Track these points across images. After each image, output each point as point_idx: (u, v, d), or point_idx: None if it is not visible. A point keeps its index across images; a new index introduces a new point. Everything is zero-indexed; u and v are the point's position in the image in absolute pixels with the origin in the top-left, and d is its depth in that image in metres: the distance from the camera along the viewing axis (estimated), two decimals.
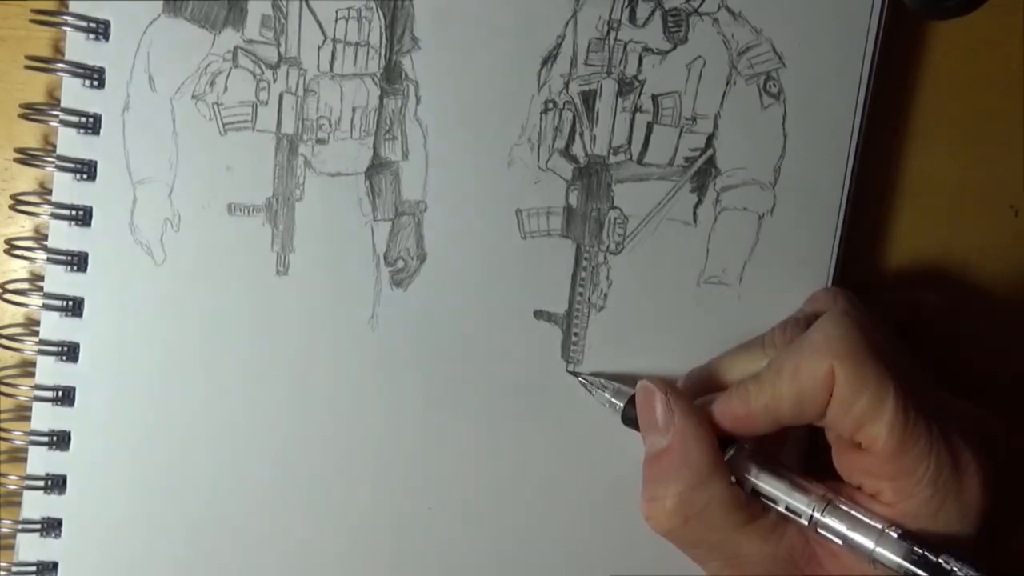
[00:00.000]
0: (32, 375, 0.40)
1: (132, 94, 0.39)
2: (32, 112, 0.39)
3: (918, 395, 0.33)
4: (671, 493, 0.35)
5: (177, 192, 0.40)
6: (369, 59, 0.40)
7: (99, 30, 0.39)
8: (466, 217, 0.41)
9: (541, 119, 0.40)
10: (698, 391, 0.38)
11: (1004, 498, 0.34)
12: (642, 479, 0.36)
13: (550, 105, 0.40)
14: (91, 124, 0.39)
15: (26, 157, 0.39)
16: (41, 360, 0.40)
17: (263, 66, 0.40)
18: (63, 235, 0.40)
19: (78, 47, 0.39)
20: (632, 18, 0.40)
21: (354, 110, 0.40)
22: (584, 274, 0.41)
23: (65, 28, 0.39)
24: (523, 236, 0.41)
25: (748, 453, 0.36)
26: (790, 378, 0.33)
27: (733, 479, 0.35)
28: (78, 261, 0.40)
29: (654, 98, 0.41)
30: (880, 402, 0.32)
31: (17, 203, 0.40)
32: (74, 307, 0.40)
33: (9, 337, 0.40)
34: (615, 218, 0.41)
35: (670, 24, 0.40)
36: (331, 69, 0.40)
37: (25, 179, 0.41)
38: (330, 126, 0.40)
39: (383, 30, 0.40)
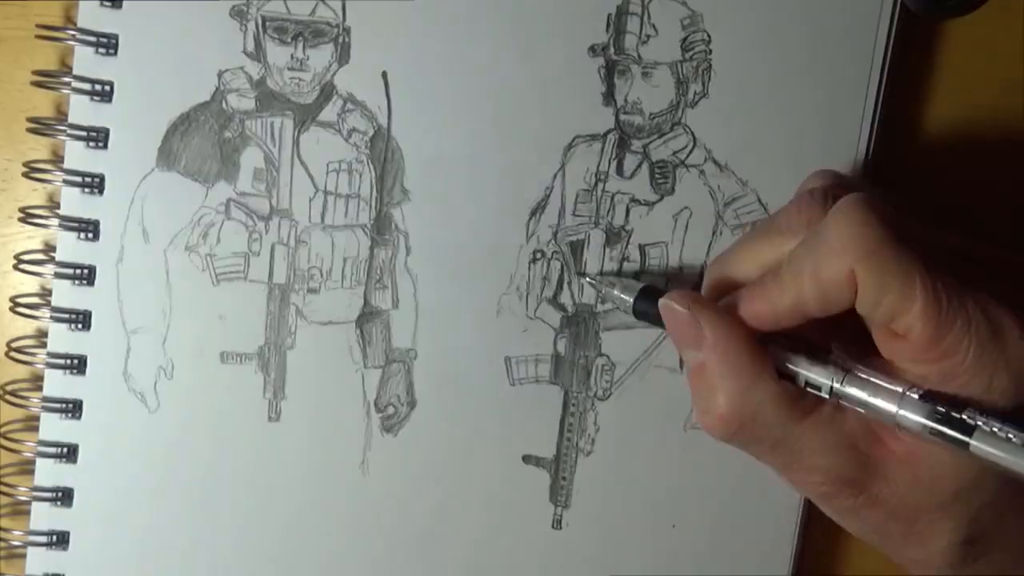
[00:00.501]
0: (27, 515, 0.40)
1: (126, 246, 0.40)
2: (27, 262, 0.40)
3: (950, 271, 0.32)
4: (721, 403, 0.34)
5: (171, 341, 0.40)
6: (360, 210, 0.40)
7: (94, 184, 0.39)
8: (456, 365, 0.41)
9: (530, 268, 0.41)
10: (722, 289, 0.37)
11: None
12: (691, 392, 0.36)
13: (538, 255, 0.41)
14: (86, 275, 0.40)
15: (23, 300, 0.40)
16: (36, 506, 0.40)
17: (255, 218, 0.40)
18: (58, 383, 0.40)
19: (74, 201, 0.40)
20: (619, 170, 0.41)
21: (345, 260, 0.41)
22: (572, 420, 0.42)
23: (59, 184, 0.39)
24: (512, 383, 0.41)
25: (790, 344, 0.35)
26: (811, 280, 0.33)
27: (779, 376, 0.34)
28: (73, 408, 0.40)
29: (641, 248, 0.41)
30: (908, 293, 0.31)
31: (12, 351, 0.40)
32: (69, 453, 0.40)
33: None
34: (603, 365, 0.41)
35: (657, 176, 0.41)
36: (322, 220, 0.40)
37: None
38: (321, 276, 0.41)
39: (373, 182, 0.40)
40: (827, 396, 0.34)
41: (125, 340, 0.40)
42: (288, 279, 0.40)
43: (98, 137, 0.39)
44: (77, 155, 0.39)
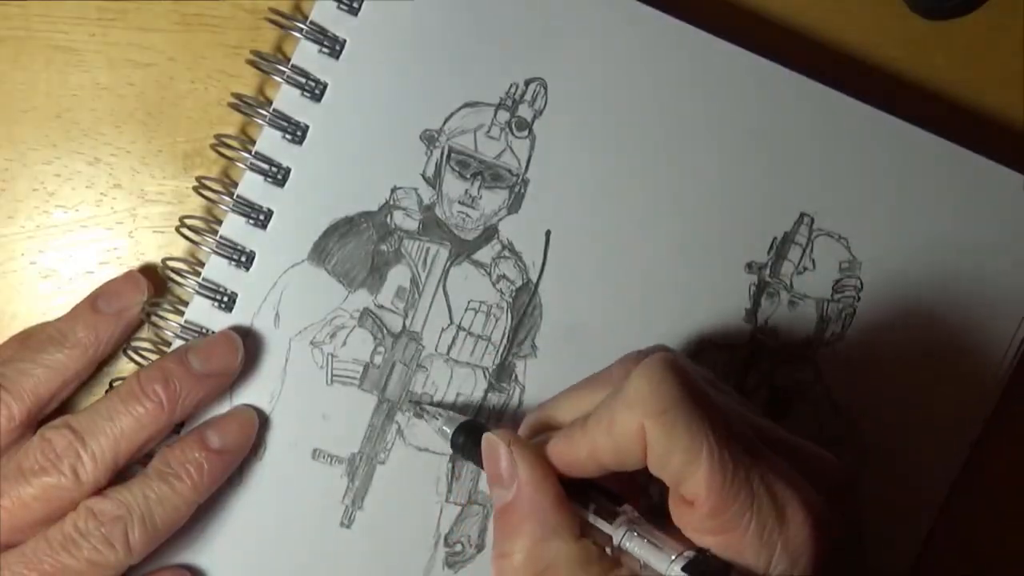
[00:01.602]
0: None
1: (255, 325, 0.40)
2: (152, 311, 0.40)
3: (739, 444, 0.32)
4: (518, 548, 0.34)
5: (271, 426, 0.41)
6: (486, 353, 0.41)
7: (243, 259, 0.40)
8: None
9: None
10: (539, 432, 0.37)
11: (847, 546, 0.33)
12: (494, 532, 0.35)
13: None
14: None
15: (137, 344, 0.40)
16: None
17: (385, 332, 0.41)
18: None
19: (219, 269, 0.40)
20: (741, 387, 0.42)
21: (458, 395, 0.41)
22: None
23: (208, 249, 0.40)
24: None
25: (589, 497, 0.35)
26: (606, 430, 0.33)
27: (582, 532, 0.34)
28: None
29: None
30: (694, 457, 0.31)
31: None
32: None
33: None
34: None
35: (774, 399, 0.42)
36: (448, 352, 0.41)
37: None
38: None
39: (507, 331, 0.41)
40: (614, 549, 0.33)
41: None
42: (399, 398, 0.41)
43: (261, 216, 0.40)
44: (237, 228, 0.40)
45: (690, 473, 0.31)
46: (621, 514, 0.34)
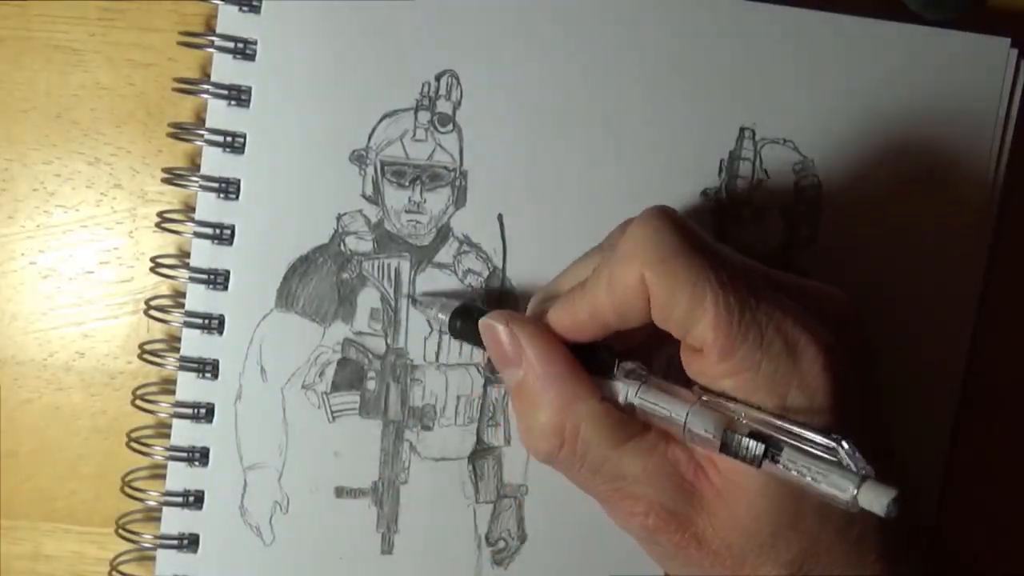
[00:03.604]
0: None
1: (244, 384, 0.40)
2: (143, 398, 0.40)
3: (744, 285, 0.31)
4: (542, 419, 0.34)
5: (287, 477, 0.41)
6: (474, 350, 0.41)
7: (214, 325, 0.40)
8: (565, 499, 0.42)
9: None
10: (544, 307, 0.36)
11: (862, 378, 0.33)
12: (515, 413, 0.35)
13: None
14: (204, 414, 0.40)
15: (139, 435, 0.40)
16: None
17: (371, 356, 0.41)
18: (176, 517, 0.41)
19: (195, 341, 0.40)
20: None
21: (459, 398, 0.41)
22: None
23: (178, 324, 0.40)
24: None
25: (624, 366, 0.34)
26: (607, 287, 0.32)
27: (603, 395, 0.34)
28: (189, 543, 0.41)
29: None
30: (699, 302, 0.31)
31: (127, 486, 0.41)
32: None
33: None
34: None
35: None
36: (436, 359, 0.41)
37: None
38: (435, 413, 0.41)
39: None
40: (629, 404, 0.33)
41: (242, 476, 0.41)
42: (403, 416, 0.41)
43: (219, 279, 0.40)
44: (199, 296, 0.40)
45: (696, 319, 0.31)
46: (632, 371, 0.33)
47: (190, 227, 0.40)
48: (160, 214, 0.40)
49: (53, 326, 0.42)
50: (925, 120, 0.41)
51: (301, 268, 0.40)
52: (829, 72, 0.41)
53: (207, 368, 0.40)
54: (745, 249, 0.41)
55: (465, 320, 0.38)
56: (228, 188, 0.40)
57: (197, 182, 0.39)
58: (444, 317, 0.39)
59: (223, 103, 0.39)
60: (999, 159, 0.41)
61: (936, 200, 0.41)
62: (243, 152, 0.40)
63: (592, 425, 0.33)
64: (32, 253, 0.42)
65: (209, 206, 0.40)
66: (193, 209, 0.40)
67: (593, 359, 0.35)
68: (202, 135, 0.39)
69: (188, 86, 0.40)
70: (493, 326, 0.35)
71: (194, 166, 0.40)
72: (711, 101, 0.41)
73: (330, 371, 0.41)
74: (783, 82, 0.41)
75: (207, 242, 0.40)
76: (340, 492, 0.41)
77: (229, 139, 0.39)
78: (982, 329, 0.42)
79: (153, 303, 0.40)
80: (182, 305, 0.40)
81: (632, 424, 0.34)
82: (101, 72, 0.41)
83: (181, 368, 0.40)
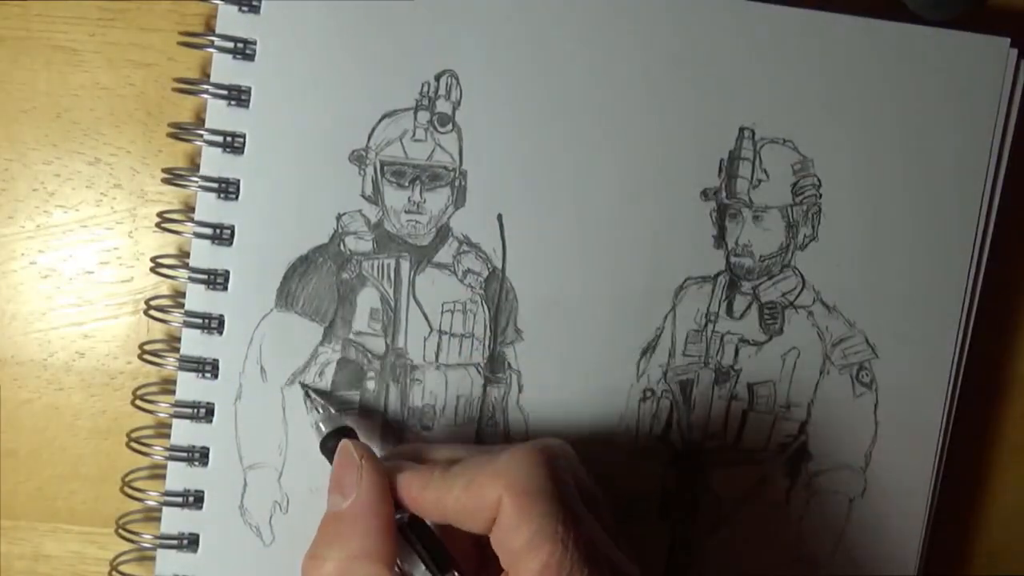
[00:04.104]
0: None
1: (244, 384, 0.40)
2: (144, 399, 0.41)
3: (583, 555, 0.32)
4: (333, 556, 0.34)
5: (286, 476, 0.41)
6: (473, 349, 0.41)
7: (214, 325, 0.40)
8: None
9: (639, 407, 0.42)
10: (406, 459, 0.37)
11: None
12: (317, 533, 0.36)
13: (648, 394, 0.42)
14: (204, 414, 0.40)
15: (139, 435, 0.40)
16: None
17: (371, 356, 0.41)
18: (176, 517, 0.41)
19: (195, 341, 0.40)
20: (729, 311, 0.42)
21: (458, 398, 0.41)
22: (680, 554, 0.42)
23: (178, 324, 0.40)
24: (621, 519, 0.42)
25: (424, 542, 0.35)
26: (465, 486, 0.33)
27: (399, 567, 0.34)
28: (188, 543, 0.41)
29: (749, 387, 0.42)
30: (537, 545, 0.31)
31: (127, 485, 0.41)
32: None
33: None
34: (710, 501, 0.42)
35: (766, 317, 0.42)
36: (436, 359, 0.41)
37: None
38: (435, 413, 0.41)
39: (487, 322, 0.41)
40: None
41: (242, 475, 0.41)
42: (402, 416, 0.41)
43: (218, 279, 0.40)
44: (199, 296, 0.40)
45: (529, 558, 0.32)
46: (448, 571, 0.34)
47: (190, 227, 0.40)
48: (160, 214, 0.40)
49: (53, 326, 0.42)
50: (925, 120, 0.41)
51: (301, 268, 0.40)
52: (829, 72, 0.41)
53: (207, 368, 0.40)
54: (745, 252, 0.41)
55: (338, 439, 0.38)
56: (228, 188, 0.40)
57: (197, 182, 0.39)
58: (324, 430, 0.39)
59: (223, 103, 0.39)
60: (999, 159, 0.41)
61: (935, 200, 0.41)
62: (243, 152, 0.40)
63: None
64: (32, 253, 0.42)
65: (209, 206, 0.40)
66: (193, 209, 0.40)
67: (419, 534, 0.35)
68: (202, 135, 0.39)
69: (188, 86, 0.40)
70: (351, 452, 0.36)
71: (194, 166, 0.40)
72: (711, 101, 0.41)
73: (329, 371, 0.41)
74: (783, 82, 0.41)
75: (207, 242, 0.40)
76: None
77: (229, 139, 0.39)
78: (993, 320, 0.42)
79: (153, 303, 0.40)
80: (182, 305, 0.40)
81: None
82: (101, 72, 0.41)
83: (181, 368, 0.40)
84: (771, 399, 0.42)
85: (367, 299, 0.41)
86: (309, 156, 0.40)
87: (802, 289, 0.42)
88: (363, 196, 0.40)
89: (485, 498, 0.33)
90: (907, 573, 0.42)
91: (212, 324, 0.40)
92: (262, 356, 0.41)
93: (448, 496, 0.34)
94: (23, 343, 0.42)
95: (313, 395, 0.40)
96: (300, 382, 0.40)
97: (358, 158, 0.40)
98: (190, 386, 0.40)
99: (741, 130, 0.41)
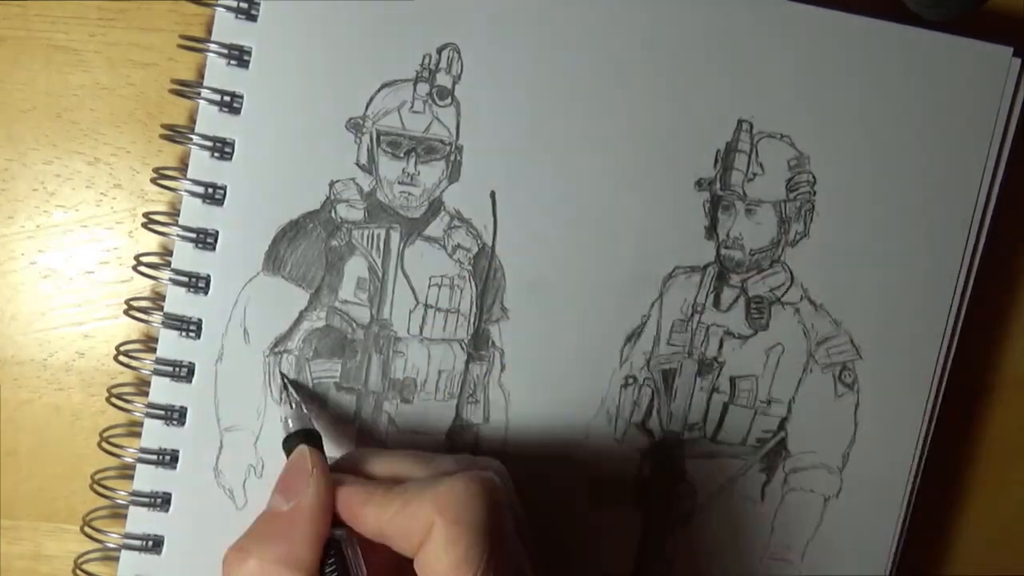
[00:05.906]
0: None
1: (226, 346, 0.40)
2: (126, 354, 0.40)
3: None
4: (258, 555, 0.34)
5: (263, 441, 0.41)
6: (458, 325, 0.41)
7: (199, 284, 0.40)
8: (542, 482, 0.42)
9: (620, 393, 0.41)
10: (347, 470, 0.37)
11: None
12: (251, 527, 0.36)
13: (630, 380, 0.42)
14: (184, 374, 0.40)
15: (119, 391, 0.40)
16: None
17: (355, 326, 0.41)
18: (149, 476, 0.41)
19: (179, 299, 0.40)
20: (716, 303, 0.41)
21: (440, 373, 0.41)
22: (651, 542, 0.42)
23: (164, 281, 0.40)
24: (596, 504, 0.42)
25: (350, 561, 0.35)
26: (401, 507, 0.34)
27: None
28: (161, 502, 0.41)
29: (732, 380, 0.42)
30: (463, 571, 0.32)
31: (103, 440, 0.41)
32: (153, 546, 0.41)
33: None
34: (685, 491, 0.42)
35: (753, 311, 0.41)
36: (420, 332, 0.41)
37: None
38: (415, 387, 0.41)
39: (474, 299, 0.41)
40: None
41: (218, 437, 0.41)
42: (383, 387, 0.41)
43: (208, 238, 0.40)
44: (187, 254, 0.40)
45: None
46: None
47: (184, 184, 0.39)
48: (147, 214, 0.40)
49: (53, 326, 0.42)
50: (923, 126, 0.41)
51: (291, 232, 0.40)
52: (830, 70, 0.41)
53: (190, 327, 0.40)
54: (736, 245, 0.41)
55: (300, 440, 0.37)
56: (224, 147, 0.40)
57: (192, 140, 0.39)
58: (291, 427, 0.38)
59: (222, 61, 0.39)
60: (995, 168, 0.41)
61: (927, 206, 0.42)
62: (240, 113, 0.39)
63: None
64: (32, 253, 0.42)
65: (202, 164, 0.40)
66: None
67: (344, 549, 0.35)
68: (198, 92, 0.39)
69: (192, 43, 0.39)
70: (305, 458, 0.36)
71: (189, 120, 0.40)
72: (711, 91, 0.41)
73: (312, 339, 0.41)
74: (783, 77, 0.41)
75: (198, 200, 0.40)
76: None
77: (227, 99, 0.39)
78: (979, 331, 0.42)
79: (143, 259, 0.40)
80: (169, 263, 0.40)
81: None
82: (101, 72, 0.41)
83: (164, 325, 0.40)
84: (752, 394, 0.42)
85: (355, 268, 0.41)
86: (306, 120, 0.40)
87: (790, 285, 0.42)
88: (357, 164, 0.40)
89: (419, 520, 0.33)
90: (880, 569, 0.42)
91: (198, 283, 0.40)
92: (246, 319, 0.40)
93: (384, 514, 0.34)
94: (23, 343, 0.42)
95: (291, 389, 0.40)
96: (280, 371, 0.40)
97: (355, 126, 0.40)
98: (172, 344, 0.40)
99: (739, 122, 0.41)
